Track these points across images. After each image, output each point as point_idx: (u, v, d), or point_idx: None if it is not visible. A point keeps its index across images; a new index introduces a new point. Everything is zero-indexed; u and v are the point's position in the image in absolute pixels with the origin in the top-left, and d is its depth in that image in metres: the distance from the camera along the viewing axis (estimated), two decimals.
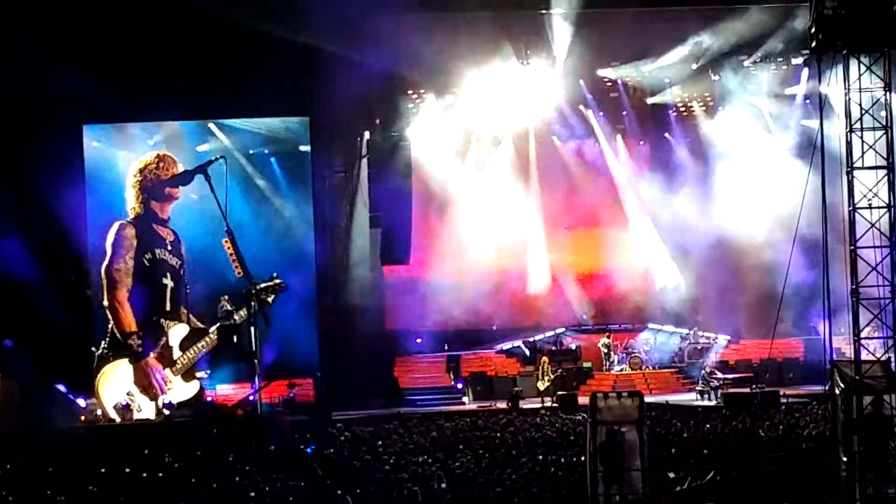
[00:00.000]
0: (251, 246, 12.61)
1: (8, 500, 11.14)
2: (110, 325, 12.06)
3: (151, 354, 12.05)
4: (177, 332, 12.39)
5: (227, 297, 12.62)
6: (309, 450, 15.91)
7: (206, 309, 12.92)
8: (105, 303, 12.18)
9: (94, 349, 12.33)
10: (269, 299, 12.39)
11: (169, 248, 12.62)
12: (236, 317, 12.21)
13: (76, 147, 26.27)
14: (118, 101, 24.55)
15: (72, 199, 24.73)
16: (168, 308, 12.45)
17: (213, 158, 11.61)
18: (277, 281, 12.53)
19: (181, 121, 27.92)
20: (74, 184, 25.24)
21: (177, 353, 12.31)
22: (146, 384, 12.04)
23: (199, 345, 12.31)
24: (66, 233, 24.75)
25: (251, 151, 31.01)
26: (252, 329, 11.43)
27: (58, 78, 23.21)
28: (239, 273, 11.44)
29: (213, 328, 12.12)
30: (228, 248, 11.43)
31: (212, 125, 29.81)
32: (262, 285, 12.30)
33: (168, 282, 12.45)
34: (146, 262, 12.32)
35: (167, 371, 12.27)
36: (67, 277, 24.67)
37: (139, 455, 11.65)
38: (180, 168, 12.62)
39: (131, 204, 12.61)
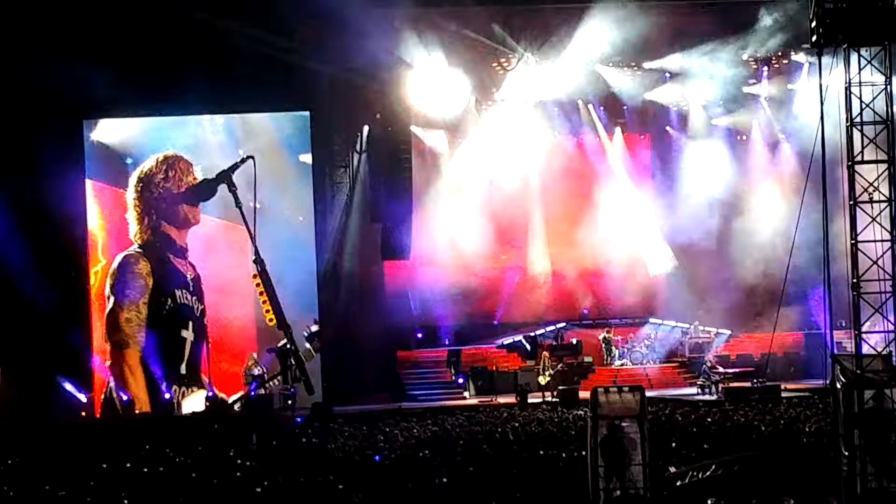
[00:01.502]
0: None
1: (9, 495, 11.08)
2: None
3: None
4: (192, 404, 9.19)
5: (254, 356, 9.70)
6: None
7: None
8: (107, 363, 8.52)
9: None
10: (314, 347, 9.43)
11: (190, 287, 9.28)
12: (272, 387, 8.90)
13: (77, 141, 26.17)
14: (119, 95, 24.53)
15: (73, 194, 24.71)
16: (184, 370, 9.08)
17: (238, 161, 8.24)
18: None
19: (181, 115, 27.66)
20: (75, 179, 25.18)
21: None
22: None
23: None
24: (67, 228, 24.70)
25: None
26: (290, 403, 7.67)
27: (59, 72, 23.18)
28: (271, 322, 7.97)
29: (235, 397, 8.40)
30: (258, 285, 8.02)
31: None
32: (314, 329, 9.12)
33: (188, 334, 8.99)
34: (164, 309, 8.97)
35: None
36: (67, 273, 24.60)
37: (140, 450, 11.58)
38: (198, 175, 9.17)
39: (134, 228, 9.25)
